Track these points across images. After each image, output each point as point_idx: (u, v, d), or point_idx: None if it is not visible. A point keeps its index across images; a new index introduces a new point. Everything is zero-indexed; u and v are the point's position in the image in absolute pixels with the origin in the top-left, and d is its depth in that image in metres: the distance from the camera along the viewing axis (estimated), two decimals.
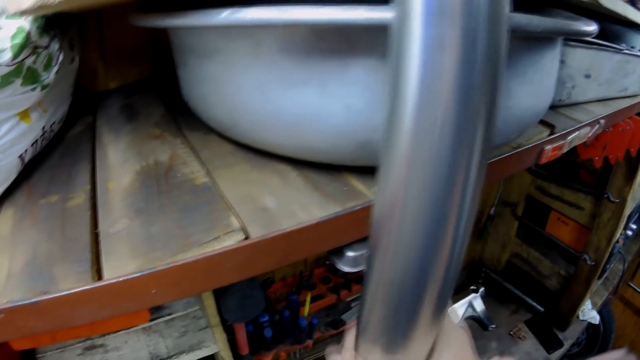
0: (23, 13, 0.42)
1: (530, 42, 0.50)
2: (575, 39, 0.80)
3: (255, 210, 0.48)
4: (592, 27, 0.53)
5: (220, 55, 0.49)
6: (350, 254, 0.53)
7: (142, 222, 0.47)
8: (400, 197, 0.29)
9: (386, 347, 0.38)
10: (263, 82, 0.46)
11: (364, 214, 0.49)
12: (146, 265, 0.40)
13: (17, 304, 0.37)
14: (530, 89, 0.53)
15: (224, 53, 0.48)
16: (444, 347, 0.41)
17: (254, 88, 0.47)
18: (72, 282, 0.39)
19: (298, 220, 0.46)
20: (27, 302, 0.37)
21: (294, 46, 0.43)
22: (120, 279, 0.39)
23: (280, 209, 0.49)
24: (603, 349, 2.06)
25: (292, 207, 0.49)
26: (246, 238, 0.44)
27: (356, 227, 0.50)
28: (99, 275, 0.40)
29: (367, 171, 0.55)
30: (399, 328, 0.36)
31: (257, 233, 0.44)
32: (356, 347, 0.42)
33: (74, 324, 0.40)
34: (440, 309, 0.36)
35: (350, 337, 0.45)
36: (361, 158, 0.50)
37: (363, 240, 0.52)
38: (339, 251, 0.53)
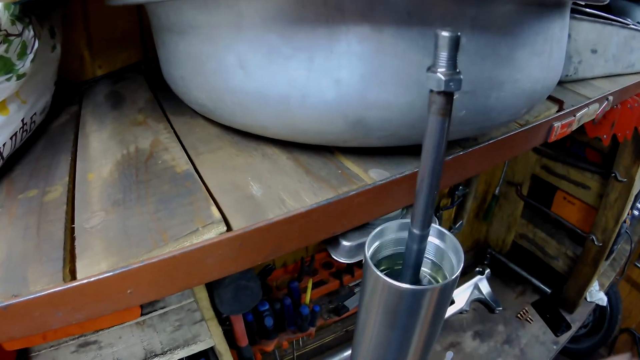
0: None
1: (538, 9, 0.47)
2: (581, 11, 0.78)
3: (239, 199, 0.45)
4: None
5: (197, 31, 0.46)
6: (345, 243, 0.50)
7: (118, 216, 0.44)
8: None
9: None
10: (244, 58, 0.43)
11: (359, 199, 0.46)
12: (120, 263, 0.38)
13: None
14: (540, 60, 0.50)
15: (201, 28, 0.46)
16: None
17: (235, 65, 0.44)
18: (44, 283, 0.37)
19: (286, 209, 0.43)
20: None
21: (276, 16, 0.40)
22: (93, 279, 0.36)
23: (267, 196, 0.46)
24: (610, 330, 2.06)
25: (281, 194, 0.46)
26: (228, 230, 0.41)
27: (351, 215, 0.47)
28: (72, 275, 0.38)
29: (363, 152, 0.53)
30: None
31: (240, 224, 0.41)
32: None
33: (49, 328, 0.38)
34: None
35: None
36: (355, 138, 0.47)
37: (360, 228, 0.49)
38: (334, 240, 0.50)
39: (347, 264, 1.40)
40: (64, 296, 0.36)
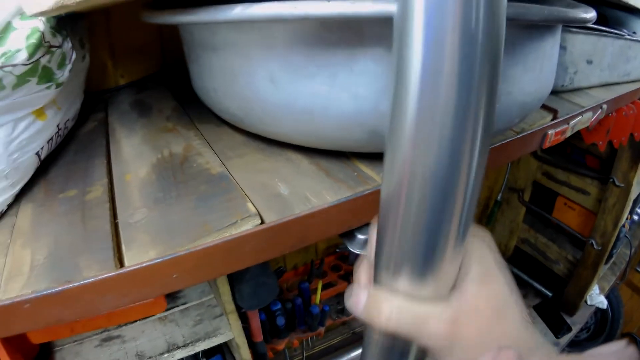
0: (43, 14, 0.43)
1: (529, 29, 0.51)
2: (575, 25, 0.81)
3: (269, 196, 0.50)
4: (590, 15, 0.53)
5: (231, 49, 0.50)
6: (360, 236, 0.54)
7: (160, 212, 0.48)
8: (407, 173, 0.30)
9: (412, 272, 0.33)
10: (274, 74, 0.47)
11: (373, 197, 0.51)
12: (167, 252, 0.42)
13: (42, 293, 0.38)
14: (531, 75, 0.54)
15: (235, 47, 0.50)
16: (471, 263, 0.36)
17: (266, 80, 0.48)
18: (95, 270, 0.40)
19: (310, 205, 0.48)
20: (52, 291, 0.38)
21: (304, 38, 0.44)
22: (142, 265, 0.40)
23: (293, 195, 0.50)
24: (612, 334, 2.06)
25: (305, 192, 0.51)
26: (262, 223, 0.46)
27: (366, 211, 0.51)
28: (120, 263, 0.41)
29: (376, 157, 0.57)
30: (425, 250, 0.32)
31: (271, 218, 0.46)
32: (376, 279, 0.36)
33: (98, 312, 0.41)
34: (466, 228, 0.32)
35: (363, 274, 0.39)
36: (370, 145, 0.52)
37: None
38: (350, 234, 0.55)
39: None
40: (115, 281, 0.40)
